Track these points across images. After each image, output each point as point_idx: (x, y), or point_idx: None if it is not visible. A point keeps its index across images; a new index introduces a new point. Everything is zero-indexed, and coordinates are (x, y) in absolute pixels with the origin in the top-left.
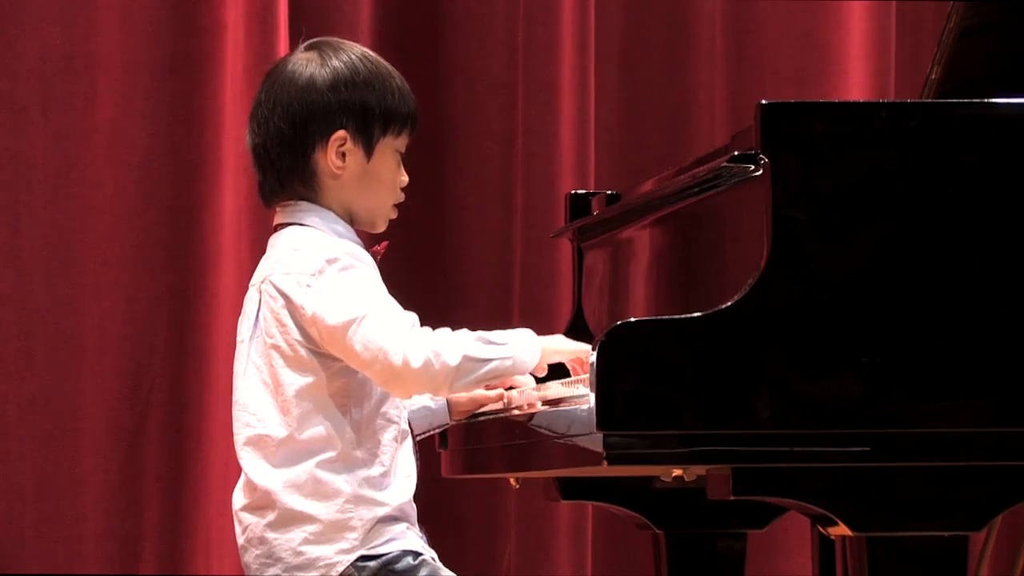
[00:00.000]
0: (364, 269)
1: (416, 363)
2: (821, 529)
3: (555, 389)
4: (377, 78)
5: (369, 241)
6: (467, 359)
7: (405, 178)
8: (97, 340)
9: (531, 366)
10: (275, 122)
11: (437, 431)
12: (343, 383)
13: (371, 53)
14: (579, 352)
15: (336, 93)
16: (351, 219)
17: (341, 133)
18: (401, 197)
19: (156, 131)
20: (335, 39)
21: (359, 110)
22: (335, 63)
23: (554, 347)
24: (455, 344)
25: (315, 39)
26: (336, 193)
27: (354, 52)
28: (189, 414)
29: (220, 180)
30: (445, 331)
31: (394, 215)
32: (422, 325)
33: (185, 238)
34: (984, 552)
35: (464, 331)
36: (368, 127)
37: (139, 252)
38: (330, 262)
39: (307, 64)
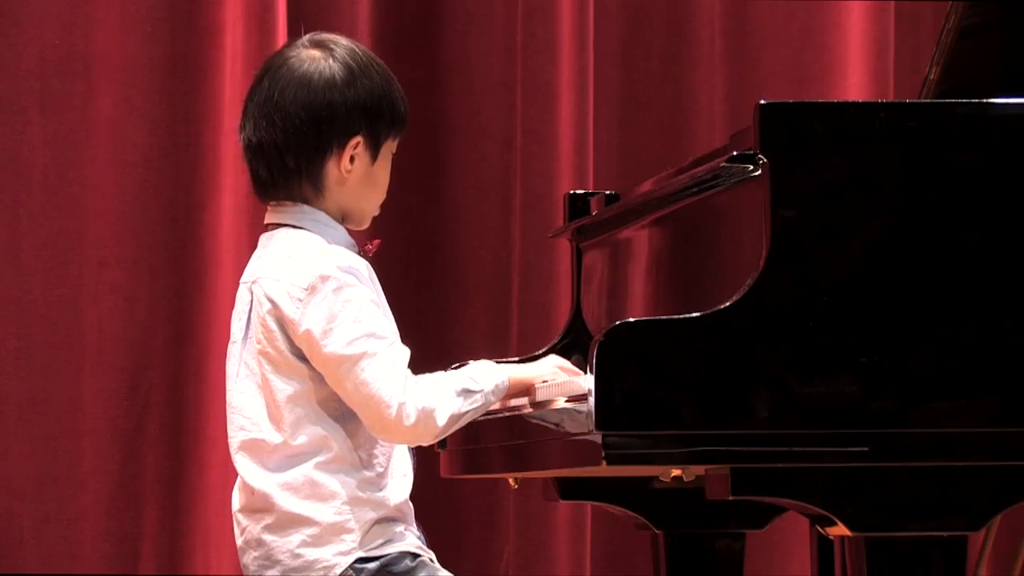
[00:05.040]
0: (358, 289)
1: (408, 422)
2: (820, 529)
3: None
4: (387, 82)
5: (360, 238)
6: (452, 418)
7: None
8: (97, 340)
9: (496, 402)
10: (289, 122)
11: None
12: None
13: (370, 52)
14: (541, 376)
15: (356, 96)
16: (343, 218)
17: (357, 138)
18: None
19: (156, 131)
20: (331, 38)
21: (373, 114)
22: (345, 64)
23: (518, 378)
24: (443, 403)
25: (318, 36)
26: (337, 196)
27: (358, 52)
28: (188, 414)
29: (219, 180)
30: (430, 381)
31: (378, 212)
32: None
33: (185, 238)
34: (983, 552)
35: (447, 380)
36: (378, 132)
37: (139, 252)
38: (323, 279)
39: (318, 63)
